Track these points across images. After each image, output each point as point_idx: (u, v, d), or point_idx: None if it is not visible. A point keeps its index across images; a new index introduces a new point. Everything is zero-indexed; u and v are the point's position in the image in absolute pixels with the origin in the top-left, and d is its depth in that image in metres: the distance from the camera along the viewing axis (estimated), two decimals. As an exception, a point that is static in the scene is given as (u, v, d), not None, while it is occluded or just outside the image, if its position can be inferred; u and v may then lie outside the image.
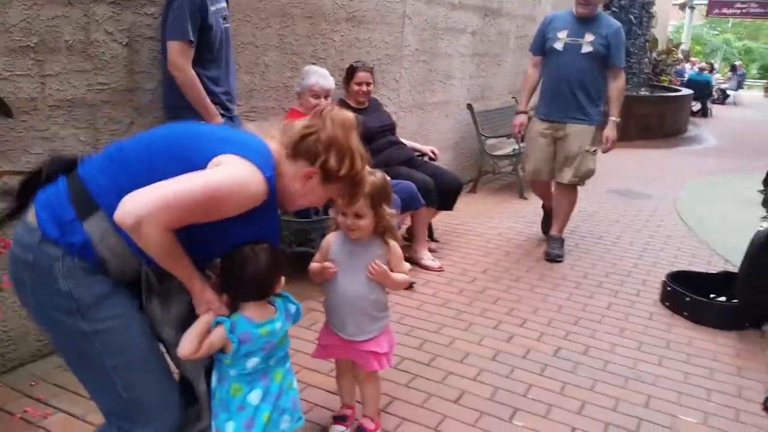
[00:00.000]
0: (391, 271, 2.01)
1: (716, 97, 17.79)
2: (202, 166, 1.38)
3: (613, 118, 4.08)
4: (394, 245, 2.02)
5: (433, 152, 4.34)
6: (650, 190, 6.69)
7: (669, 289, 3.56)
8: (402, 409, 2.40)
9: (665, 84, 15.11)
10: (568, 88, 4.01)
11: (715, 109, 16.12)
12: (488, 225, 4.98)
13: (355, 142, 1.57)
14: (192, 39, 2.61)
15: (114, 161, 1.44)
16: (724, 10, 22.76)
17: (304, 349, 2.56)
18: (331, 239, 2.08)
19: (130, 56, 2.74)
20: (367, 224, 1.96)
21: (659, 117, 10.85)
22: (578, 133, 4.05)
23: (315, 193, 1.58)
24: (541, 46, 4.19)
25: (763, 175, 6.83)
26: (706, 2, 22.88)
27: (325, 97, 3.54)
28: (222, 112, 2.83)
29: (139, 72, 2.79)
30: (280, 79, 3.70)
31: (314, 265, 2.06)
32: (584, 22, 4.00)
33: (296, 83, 3.61)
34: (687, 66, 18.81)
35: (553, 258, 4.22)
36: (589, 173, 4.15)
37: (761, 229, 3.20)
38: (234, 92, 2.98)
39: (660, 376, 2.80)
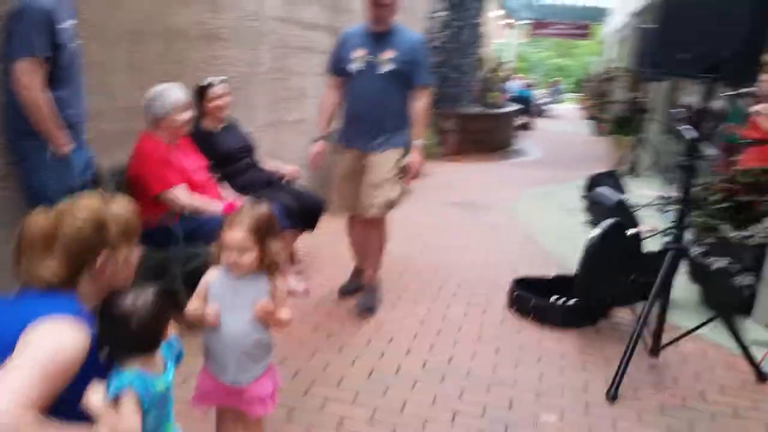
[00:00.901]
0: (274, 308, 1.97)
1: (536, 111, 19.62)
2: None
3: (416, 142, 3.63)
4: (280, 282, 1.99)
5: (294, 172, 4.31)
6: (489, 201, 7.22)
7: (515, 294, 3.89)
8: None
9: (493, 100, 16.42)
10: (369, 113, 3.57)
11: (536, 121, 17.77)
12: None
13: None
14: (43, 55, 2.38)
15: None
16: (544, 30, 25.45)
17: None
18: (211, 277, 1.99)
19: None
20: (251, 260, 1.91)
21: (490, 132, 11.74)
22: (382, 162, 3.58)
23: (118, 270, 1.58)
24: (337, 67, 3.69)
25: (582, 184, 7.69)
26: (529, 23, 25.36)
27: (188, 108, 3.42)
28: (72, 136, 2.62)
29: (-32, 97, 2.48)
30: (130, 100, 3.48)
31: (192, 311, 1.96)
32: (381, 37, 3.54)
33: (151, 107, 3.40)
34: (512, 83, 20.62)
35: (364, 310, 3.72)
36: (391, 203, 3.65)
37: (592, 235, 3.60)
38: (83, 115, 2.76)
39: (518, 378, 3.04)
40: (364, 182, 3.64)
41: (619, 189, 7.13)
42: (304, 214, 4.00)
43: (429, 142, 8.36)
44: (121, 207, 1.58)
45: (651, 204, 6.79)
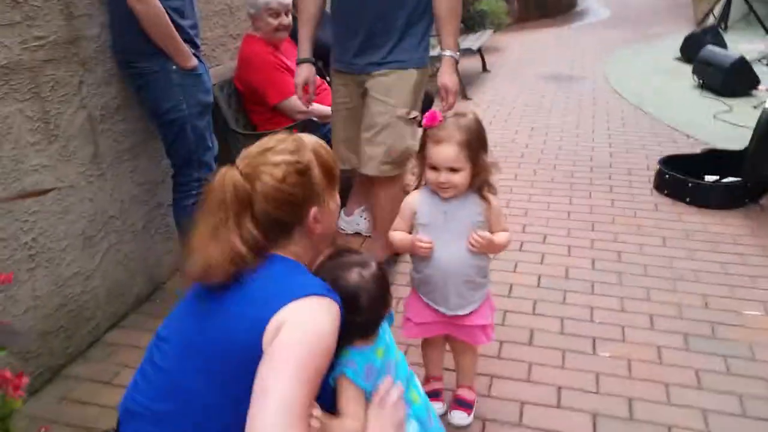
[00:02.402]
0: (492, 232, 1.69)
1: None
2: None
3: (448, 53, 2.41)
4: (494, 201, 1.70)
5: None
6: (578, 71, 6.67)
7: (666, 176, 3.53)
8: (485, 365, 2.18)
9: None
10: (361, 11, 2.38)
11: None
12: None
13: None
14: None
15: (169, 403, 1.11)
16: None
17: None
18: (416, 200, 1.72)
19: (62, -5, 2.06)
20: (464, 179, 1.61)
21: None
22: (387, 88, 2.43)
23: (328, 223, 1.27)
24: None
25: (667, 41, 6.99)
26: None
27: (286, 14, 3.01)
28: (192, 51, 2.27)
29: (78, 16, 2.12)
30: (224, 0, 3.07)
31: (400, 237, 1.71)
32: None
33: (247, 3, 3.01)
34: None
35: None
36: (401, 154, 2.49)
37: (767, 107, 3.16)
38: (199, 26, 2.39)
39: (699, 270, 2.77)
40: (364, 120, 2.51)
41: (722, 46, 6.47)
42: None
43: (497, 9, 7.68)
44: (316, 145, 1.23)
45: (763, 59, 6.14)
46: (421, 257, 1.71)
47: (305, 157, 1.17)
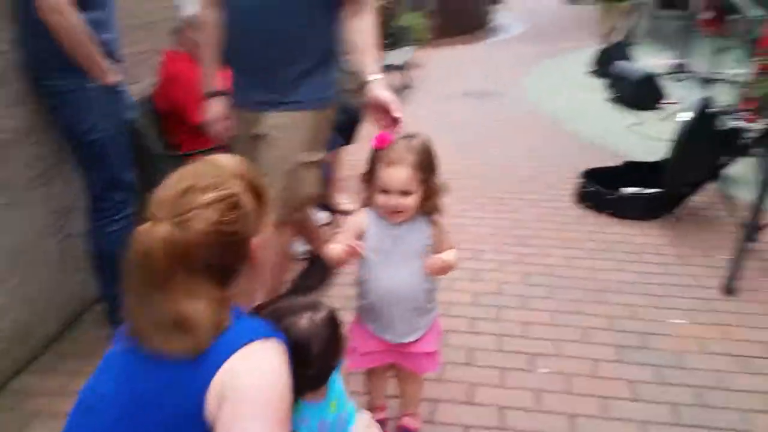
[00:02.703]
0: (440, 251, 1.66)
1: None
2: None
3: (377, 76, 1.96)
4: (441, 223, 1.67)
5: None
6: (497, 86, 6.84)
7: (587, 189, 3.64)
8: (427, 389, 2.14)
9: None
10: (257, 44, 2.08)
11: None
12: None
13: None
14: None
15: None
16: None
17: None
18: (364, 220, 1.65)
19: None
20: (415, 203, 1.57)
21: (469, 10, 11.08)
22: (283, 131, 2.14)
23: (267, 247, 1.15)
24: None
25: (579, 56, 7.30)
26: None
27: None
28: (112, 66, 2.12)
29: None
30: (145, 13, 2.92)
31: (337, 247, 1.61)
32: None
33: (170, 17, 2.88)
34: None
35: None
36: (298, 200, 2.24)
37: (685, 118, 3.32)
38: (119, 40, 2.24)
39: (624, 281, 2.85)
40: (262, 163, 2.14)
41: (631, 60, 6.84)
42: (344, 127, 3.60)
43: (418, 25, 7.79)
44: (236, 166, 1.07)
45: (669, 74, 6.52)
46: (367, 283, 1.65)
47: (234, 186, 1.02)
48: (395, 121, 1.82)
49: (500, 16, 12.78)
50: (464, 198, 3.77)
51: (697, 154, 3.42)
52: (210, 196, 0.98)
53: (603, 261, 3.04)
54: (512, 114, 5.75)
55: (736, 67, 5.66)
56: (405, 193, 1.55)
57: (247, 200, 1.03)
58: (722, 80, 5.40)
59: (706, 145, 3.43)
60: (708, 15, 7.89)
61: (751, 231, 2.78)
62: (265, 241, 1.10)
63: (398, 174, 1.53)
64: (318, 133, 2.22)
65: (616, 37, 8.64)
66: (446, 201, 1.66)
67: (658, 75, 5.90)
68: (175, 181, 1.00)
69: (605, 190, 3.54)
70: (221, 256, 1.00)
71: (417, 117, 5.60)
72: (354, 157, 4.13)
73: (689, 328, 2.50)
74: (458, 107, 6.02)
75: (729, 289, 2.73)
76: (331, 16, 2.11)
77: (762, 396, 2.10)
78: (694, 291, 2.77)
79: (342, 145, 3.59)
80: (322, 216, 3.34)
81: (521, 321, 2.55)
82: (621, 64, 6.10)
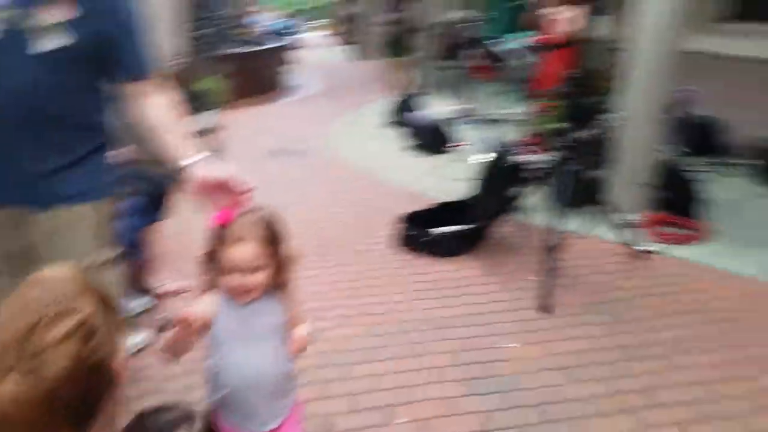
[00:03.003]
0: (294, 326, 1.60)
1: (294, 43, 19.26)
2: None
3: (190, 160, 1.69)
4: (293, 297, 1.61)
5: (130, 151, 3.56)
6: (302, 144, 6.94)
7: (407, 233, 3.82)
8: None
9: (246, 36, 15.66)
10: (17, 126, 1.66)
11: (297, 53, 17.42)
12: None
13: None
14: None
15: None
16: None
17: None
18: (208, 306, 1.52)
19: None
20: (265, 279, 1.49)
21: (265, 71, 11.22)
22: (63, 231, 1.77)
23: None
24: None
25: (375, 108, 7.82)
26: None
27: None
28: None
29: None
30: None
31: (171, 336, 1.46)
32: None
33: None
34: (256, 15, 19.80)
35: None
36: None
37: (485, 158, 3.64)
38: None
39: (455, 316, 3.01)
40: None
41: (422, 109, 7.42)
42: (153, 201, 3.40)
43: (219, 87, 7.68)
44: (72, 278, 0.88)
45: (458, 118, 7.17)
46: (219, 373, 1.52)
47: (84, 306, 0.83)
48: (241, 195, 1.64)
49: (294, 76, 13.13)
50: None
51: (496, 189, 3.78)
52: (61, 328, 0.79)
53: (434, 300, 3.18)
54: (323, 169, 5.88)
55: (512, 108, 6.39)
56: (254, 270, 1.47)
57: (100, 318, 0.85)
58: (503, 120, 6.06)
59: (502, 180, 3.82)
60: (477, 63, 8.87)
61: (550, 252, 3.12)
62: (125, 359, 0.93)
63: (245, 251, 1.46)
64: (102, 227, 1.86)
65: (407, 90, 9.34)
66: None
67: (448, 121, 6.45)
68: (10, 318, 0.80)
69: (422, 232, 3.74)
70: (84, 394, 0.82)
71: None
72: (169, 231, 3.91)
73: (521, 350, 2.70)
74: (268, 167, 6.00)
75: (545, 308, 3.02)
76: (101, 96, 1.82)
77: (590, 402, 2.33)
78: (518, 314, 3.01)
79: (154, 221, 3.36)
80: (140, 303, 3.08)
81: (371, 374, 2.55)
82: (414, 114, 6.60)
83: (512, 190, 4.25)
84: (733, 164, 5.14)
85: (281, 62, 12.55)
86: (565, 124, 4.32)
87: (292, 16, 23.66)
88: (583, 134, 4.14)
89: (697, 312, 2.94)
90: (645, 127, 3.87)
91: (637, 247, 3.51)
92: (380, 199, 4.83)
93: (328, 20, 24.15)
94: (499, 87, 9.33)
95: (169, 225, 3.39)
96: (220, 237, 1.48)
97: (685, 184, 4.06)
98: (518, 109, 6.56)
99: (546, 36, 6.03)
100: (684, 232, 3.77)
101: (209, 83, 7.56)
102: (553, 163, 4.28)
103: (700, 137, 5.21)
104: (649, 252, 3.53)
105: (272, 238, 1.50)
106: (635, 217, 3.84)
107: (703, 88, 4.99)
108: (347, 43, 16.89)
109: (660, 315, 2.91)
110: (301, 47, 20.42)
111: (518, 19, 8.59)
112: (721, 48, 5.18)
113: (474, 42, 8.60)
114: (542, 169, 4.37)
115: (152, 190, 3.39)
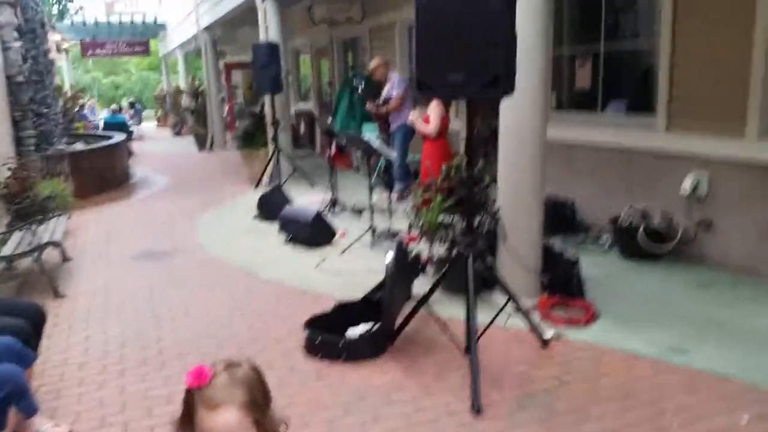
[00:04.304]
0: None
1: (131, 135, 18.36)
2: None
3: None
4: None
5: None
6: (168, 244, 6.46)
7: (316, 340, 3.61)
8: None
9: (80, 131, 14.68)
10: None
11: (135, 146, 16.60)
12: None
13: None
14: None
15: None
16: (100, 51, 23.57)
17: None
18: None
19: None
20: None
21: (108, 167, 10.50)
22: None
23: None
24: None
25: (239, 201, 7.67)
26: (78, 43, 23.08)
27: None
28: None
29: None
30: None
31: None
32: None
33: None
34: (87, 109, 18.70)
35: None
36: None
37: (389, 259, 3.59)
38: None
39: (388, 429, 2.85)
40: None
41: (287, 200, 7.35)
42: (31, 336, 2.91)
43: (61, 191, 6.99)
44: None
45: (327, 208, 7.17)
46: None
47: None
48: None
49: (141, 170, 12.42)
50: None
51: (401, 284, 3.75)
52: None
53: (359, 414, 2.98)
54: (198, 271, 5.47)
55: (375, 195, 6.46)
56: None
57: None
58: (372, 209, 6.11)
59: (405, 275, 3.80)
60: (334, 152, 9.04)
61: (468, 349, 3.11)
62: None
63: (226, 419, 1.25)
64: None
65: (270, 181, 9.20)
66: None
67: (322, 212, 6.41)
68: None
69: (331, 336, 3.57)
70: None
71: (89, 292, 4.88)
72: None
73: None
74: (133, 274, 5.46)
75: (477, 409, 2.96)
76: None
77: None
78: (451, 418, 2.91)
79: (34, 360, 2.86)
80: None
81: None
82: (290, 208, 6.49)
83: (411, 283, 4.28)
84: (595, 242, 5.64)
85: (125, 156, 11.85)
86: (451, 216, 4.49)
87: (130, 106, 22.72)
88: (472, 223, 4.34)
89: (620, 399, 3.00)
90: (524, 213, 4.11)
91: (540, 333, 3.63)
92: (271, 302, 4.57)
93: (167, 111, 23.52)
94: (360, 175, 9.60)
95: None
96: (195, 400, 1.27)
97: (562, 264, 4.35)
98: (383, 196, 6.73)
99: (419, 130, 6.36)
100: (573, 313, 3.99)
101: (50, 187, 6.87)
102: (448, 254, 4.40)
103: (555, 217, 5.65)
104: (550, 338, 3.66)
105: (256, 400, 1.31)
106: (531, 302, 4.01)
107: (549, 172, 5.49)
108: (196, 134, 16.46)
109: (587, 405, 2.95)
110: (142, 139, 19.59)
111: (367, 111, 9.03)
112: (557, 134, 5.75)
113: (330, 133, 8.78)
114: (440, 260, 4.46)
115: (27, 325, 2.91)
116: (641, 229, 4.99)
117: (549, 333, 3.69)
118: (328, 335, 3.59)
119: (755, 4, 4.29)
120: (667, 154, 5.10)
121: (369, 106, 8.36)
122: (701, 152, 4.80)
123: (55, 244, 5.18)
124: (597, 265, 4.88)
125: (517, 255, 4.04)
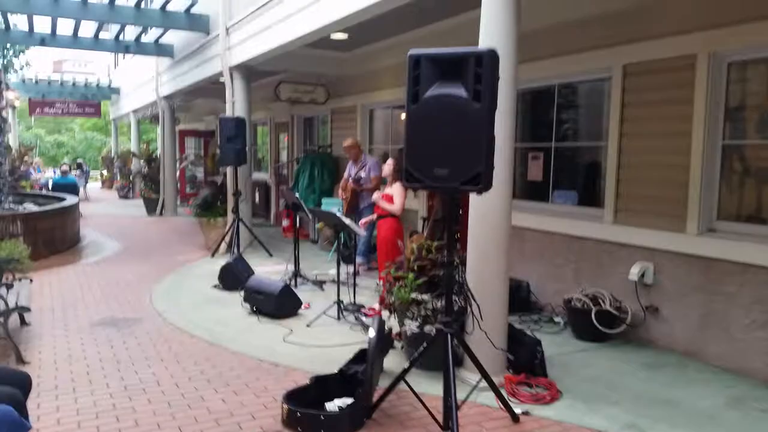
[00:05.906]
0: None
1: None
2: None
3: None
4: None
5: None
6: (127, 311, 6.41)
7: (295, 414, 3.70)
8: None
9: (27, 190, 14.36)
10: None
11: (86, 208, 16.25)
12: None
13: None
14: None
15: None
16: (47, 110, 23.25)
17: None
18: None
19: None
20: None
21: (58, 230, 10.30)
22: None
23: None
24: None
25: (198, 270, 7.72)
26: (26, 101, 22.75)
27: None
28: None
29: None
30: None
31: None
32: None
33: None
34: (32, 168, 18.28)
35: None
36: None
37: (371, 335, 3.77)
38: None
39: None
40: None
41: (250, 270, 7.44)
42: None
43: (19, 252, 6.83)
44: None
45: (290, 279, 7.28)
46: None
47: None
48: None
49: (89, 232, 12.19)
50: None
51: (378, 359, 3.92)
52: None
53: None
54: (163, 341, 5.44)
55: (336, 269, 6.63)
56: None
57: None
58: (338, 282, 6.28)
59: (381, 350, 3.98)
60: (290, 224, 9.22)
61: (450, 424, 3.29)
62: None
63: None
64: None
65: (229, 250, 9.26)
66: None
67: (287, 283, 6.52)
68: None
69: (312, 410, 3.67)
70: None
71: (56, 360, 4.79)
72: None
73: None
74: (94, 341, 5.38)
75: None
76: None
77: None
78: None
79: (29, 430, 2.84)
80: None
81: None
82: (253, 278, 6.60)
83: (383, 356, 4.45)
84: (549, 321, 5.99)
85: (77, 218, 11.65)
86: (421, 294, 4.74)
87: (78, 167, 22.28)
88: (451, 303, 4.59)
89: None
90: (491, 294, 4.40)
91: (510, 410, 3.84)
92: (242, 375, 4.61)
93: (114, 173, 23.23)
94: (317, 247, 9.82)
95: None
96: None
97: (527, 344, 4.63)
98: (346, 270, 6.92)
99: (384, 208, 6.68)
100: (538, 390, 4.24)
101: (8, 248, 6.72)
102: (420, 331, 4.62)
103: (512, 297, 5.97)
104: (519, 415, 3.88)
105: None
106: (497, 380, 4.23)
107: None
108: (145, 198, 16.30)
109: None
110: (88, 200, 19.17)
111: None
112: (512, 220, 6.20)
113: (296, 206, 9.01)
114: (413, 336, 4.66)
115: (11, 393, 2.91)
116: (593, 312, 5.36)
117: (518, 409, 3.91)
118: (308, 409, 3.68)
119: (692, 117, 4.91)
120: (615, 242, 5.58)
121: (352, 184, 8.62)
122: (647, 244, 5.29)
123: (24, 309, 5.08)
124: (554, 344, 5.19)
125: (487, 334, 4.29)
